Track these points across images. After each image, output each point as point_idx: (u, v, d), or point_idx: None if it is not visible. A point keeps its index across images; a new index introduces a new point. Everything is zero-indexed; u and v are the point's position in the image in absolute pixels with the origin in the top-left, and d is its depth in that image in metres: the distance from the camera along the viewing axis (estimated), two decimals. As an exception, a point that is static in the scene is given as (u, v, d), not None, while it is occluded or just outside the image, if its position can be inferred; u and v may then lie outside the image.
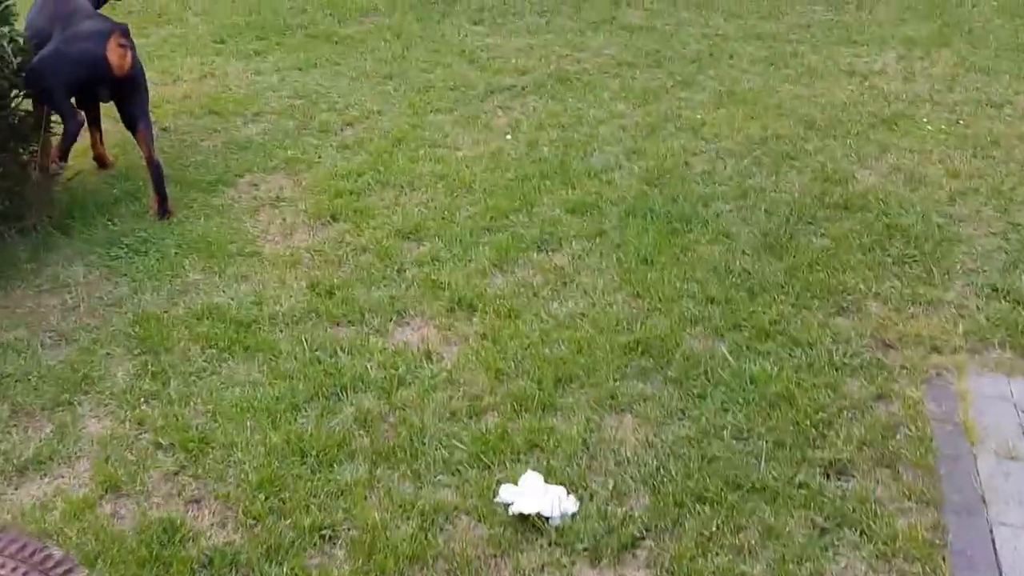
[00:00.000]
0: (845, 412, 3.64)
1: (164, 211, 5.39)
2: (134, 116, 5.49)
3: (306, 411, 3.75)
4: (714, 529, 3.15)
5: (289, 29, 8.64)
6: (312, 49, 8.11)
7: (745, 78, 6.87)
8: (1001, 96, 6.45)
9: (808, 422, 3.57)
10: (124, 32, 5.28)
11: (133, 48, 5.35)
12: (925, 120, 6.11)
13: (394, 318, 4.38)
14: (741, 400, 3.71)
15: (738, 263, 4.65)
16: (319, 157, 6.05)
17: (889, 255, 4.69)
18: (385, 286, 4.63)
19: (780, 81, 6.77)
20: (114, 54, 5.20)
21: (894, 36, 7.63)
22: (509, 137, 6.19)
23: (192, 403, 3.82)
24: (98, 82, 5.32)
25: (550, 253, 4.84)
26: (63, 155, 5.51)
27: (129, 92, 5.44)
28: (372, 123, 6.58)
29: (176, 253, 4.97)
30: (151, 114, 5.71)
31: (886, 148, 5.77)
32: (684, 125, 6.13)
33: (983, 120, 6.10)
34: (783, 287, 4.43)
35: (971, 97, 6.46)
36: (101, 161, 6.02)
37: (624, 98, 6.63)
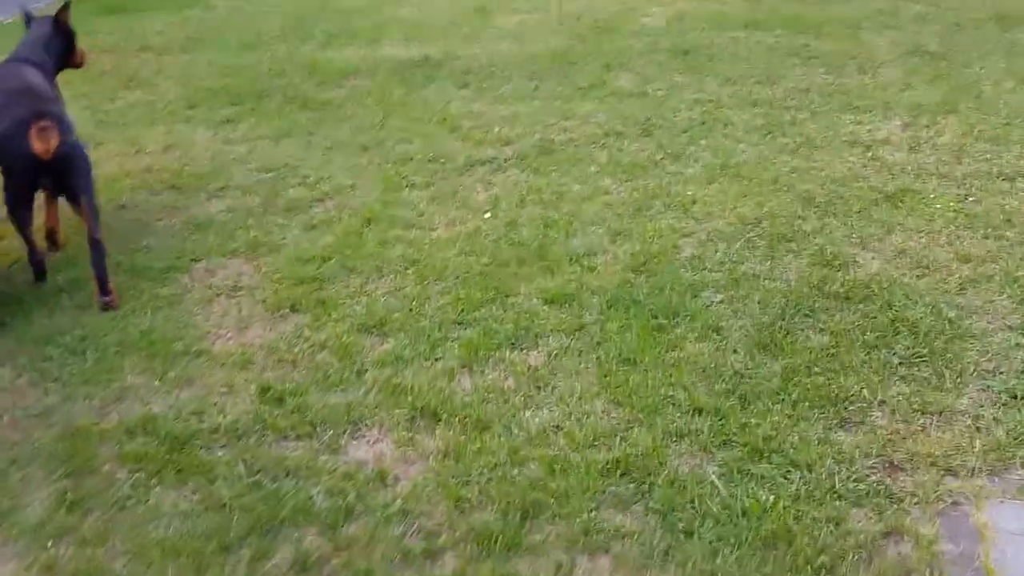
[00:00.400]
0: (850, 554, 3.19)
1: (106, 300, 4.99)
2: (75, 193, 5.18)
3: (239, 552, 3.30)
4: None
5: (266, 94, 8.28)
6: (287, 116, 7.72)
7: (739, 149, 6.45)
8: (1013, 168, 6.04)
9: (809, 567, 3.11)
10: (42, 115, 4.92)
11: (61, 126, 4.99)
12: (932, 196, 5.71)
13: (348, 430, 3.97)
14: (733, 539, 3.27)
15: (729, 364, 4.22)
16: (283, 239, 5.65)
17: (895, 354, 4.25)
18: (342, 390, 4.22)
19: (776, 152, 6.34)
20: (36, 141, 4.81)
21: (898, 102, 7.21)
22: (488, 216, 5.78)
23: (111, 542, 3.38)
24: (31, 171, 5.01)
25: (525, 351, 4.42)
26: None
27: (64, 172, 5.10)
28: (343, 199, 6.20)
29: (116, 352, 4.56)
30: (97, 193, 5.43)
31: (890, 228, 5.35)
32: (673, 202, 5.72)
33: (994, 195, 5.69)
34: (779, 394, 4.00)
35: (981, 169, 6.05)
36: (51, 236, 5.68)
37: (611, 172, 6.23)
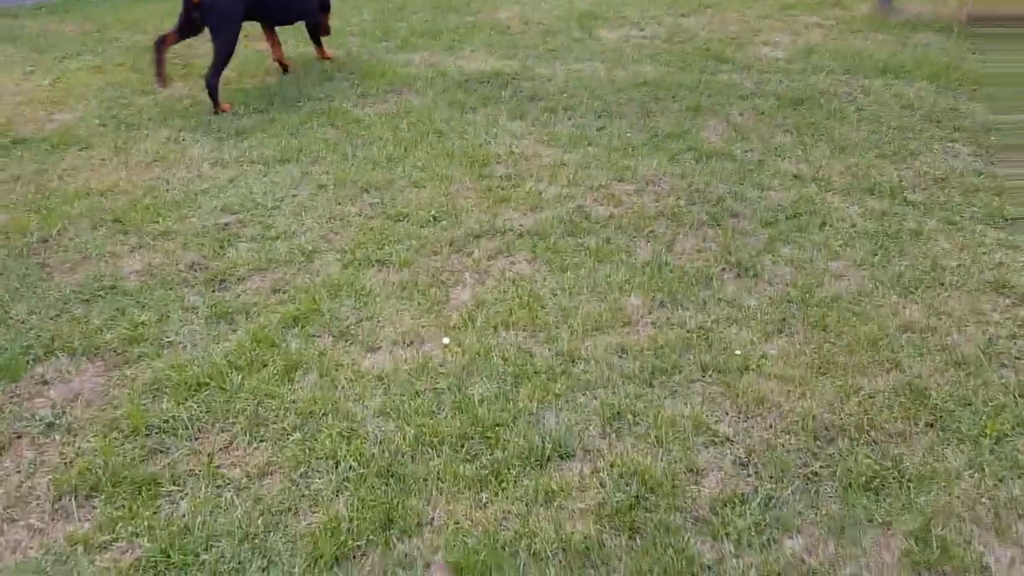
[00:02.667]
0: None
1: None
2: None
3: None
4: None
5: (298, 101, 5.97)
6: (304, 134, 5.55)
7: (833, 271, 3.85)
8: None
9: None
10: None
11: None
12: None
13: None
14: None
15: None
16: (177, 333, 3.65)
17: None
18: None
19: (886, 285, 3.79)
20: None
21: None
22: (447, 342, 3.37)
23: None
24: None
25: None
26: None
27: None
28: (288, 274, 4.12)
29: None
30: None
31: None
32: (712, 364, 3.34)
33: None
34: None
35: None
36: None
37: (644, 286, 3.85)
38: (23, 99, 6.37)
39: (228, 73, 6.46)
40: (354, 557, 2.52)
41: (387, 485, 2.75)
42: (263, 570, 2.48)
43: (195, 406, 3.17)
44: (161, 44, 6.10)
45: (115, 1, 9.09)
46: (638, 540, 2.56)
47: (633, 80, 6.44)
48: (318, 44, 6.96)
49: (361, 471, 2.82)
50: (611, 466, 2.82)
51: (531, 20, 8.14)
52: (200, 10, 5.87)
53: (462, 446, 2.92)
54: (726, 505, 2.65)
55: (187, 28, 6.01)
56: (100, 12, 8.67)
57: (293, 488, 2.77)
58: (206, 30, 6.02)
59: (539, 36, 7.64)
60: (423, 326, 3.63)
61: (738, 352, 3.35)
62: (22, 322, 3.70)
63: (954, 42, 7.26)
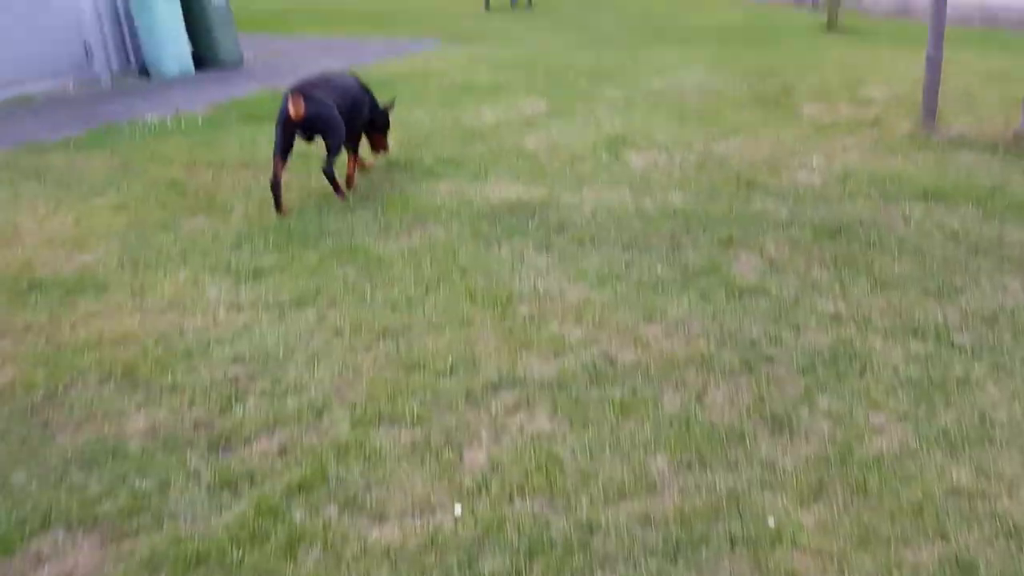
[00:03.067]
0: None
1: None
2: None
3: None
4: None
5: (318, 239, 5.97)
6: (321, 274, 5.48)
7: (873, 427, 3.67)
8: None
9: None
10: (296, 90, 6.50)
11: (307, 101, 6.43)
12: None
13: None
14: None
15: None
16: (176, 505, 3.53)
17: None
18: None
19: (933, 441, 3.59)
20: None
21: None
22: (459, 513, 3.24)
23: None
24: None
25: None
26: None
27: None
28: (296, 433, 4.00)
29: None
30: None
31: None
32: (746, 534, 3.16)
33: None
34: None
35: None
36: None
37: (671, 444, 3.67)
38: (44, 239, 6.40)
39: (251, 208, 6.48)
40: None
41: None
42: None
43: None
44: (277, 183, 6.66)
45: (144, 135, 9.24)
46: None
47: (663, 209, 6.36)
48: (375, 149, 7.60)
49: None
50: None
51: (558, 146, 8.15)
52: (304, 124, 6.52)
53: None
54: None
55: (288, 147, 6.65)
56: (128, 146, 8.81)
57: None
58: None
59: (566, 162, 7.62)
60: (435, 493, 3.48)
61: (771, 522, 3.14)
62: (20, 490, 3.58)
63: (1000, 163, 7.11)
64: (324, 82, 6.92)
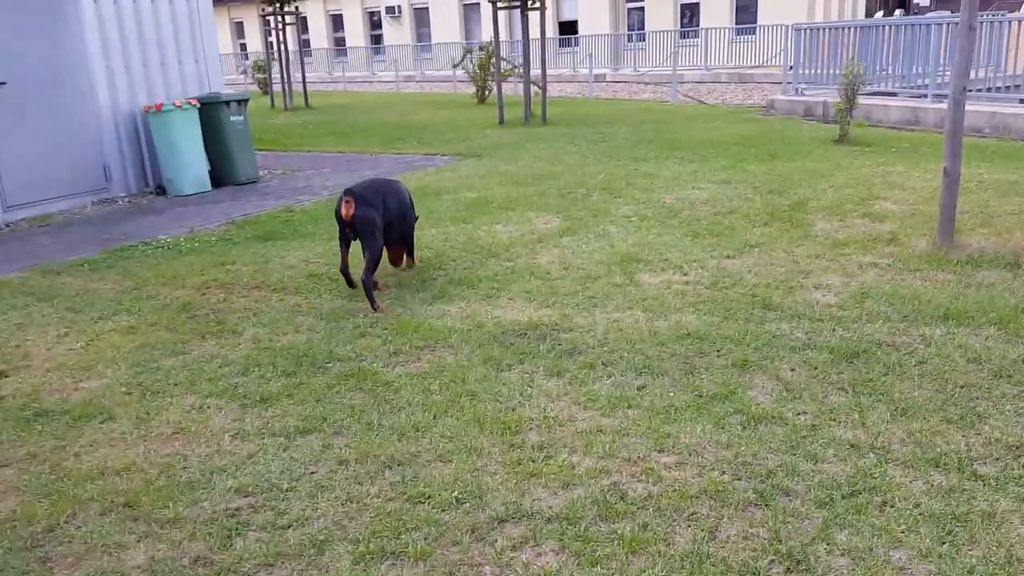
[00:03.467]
0: None
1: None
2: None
3: None
4: None
5: (328, 362, 5.93)
6: (328, 401, 5.46)
7: (896, 561, 3.61)
8: None
9: None
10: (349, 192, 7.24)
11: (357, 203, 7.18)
12: None
13: None
14: None
15: None
16: None
17: None
18: None
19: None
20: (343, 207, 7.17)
21: None
22: None
23: None
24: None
25: None
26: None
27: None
28: (296, 571, 3.93)
29: None
30: None
31: None
32: None
33: None
34: None
35: None
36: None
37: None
38: (52, 365, 6.41)
39: (260, 331, 6.48)
40: None
41: None
42: None
43: None
44: (344, 269, 7.50)
45: (157, 256, 9.32)
46: None
47: (676, 331, 6.32)
48: (410, 256, 8.26)
49: None
50: None
51: (571, 265, 8.16)
52: (352, 225, 7.19)
53: None
54: None
55: (348, 239, 7.38)
56: (140, 267, 8.89)
57: None
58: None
59: (579, 282, 7.62)
60: (438, 635, 3.37)
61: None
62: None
63: (1022, 280, 7.05)
64: (377, 186, 7.59)
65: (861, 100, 15.74)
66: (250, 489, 4.60)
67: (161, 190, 13.69)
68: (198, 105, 13.60)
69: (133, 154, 13.63)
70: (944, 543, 3.77)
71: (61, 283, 8.63)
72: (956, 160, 8.17)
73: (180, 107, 13.32)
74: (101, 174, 13.26)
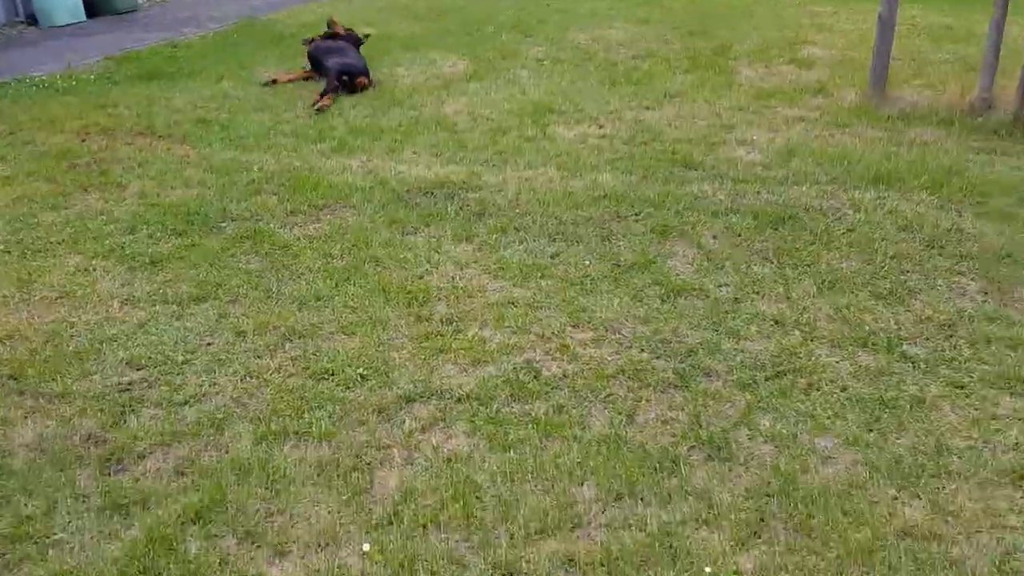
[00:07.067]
0: None
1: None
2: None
3: None
4: None
5: (222, 221, 5.80)
6: (223, 264, 5.44)
7: (822, 449, 3.68)
8: None
9: None
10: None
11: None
12: None
13: None
14: None
15: None
16: (63, 531, 3.49)
17: None
18: None
19: (885, 472, 3.65)
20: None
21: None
22: (367, 549, 3.34)
23: None
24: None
25: None
26: None
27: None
28: (195, 450, 3.93)
29: None
30: None
31: None
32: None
33: None
34: None
35: None
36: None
37: (599, 470, 3.76)
38: (-83, 221, 6.14)
39: (147, 184, 6.30)
40: None
41: None
42: None
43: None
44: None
45: (32, 95, 8.91)
46: None
47: (591, 192, 6.30)
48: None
49: None
50: None
51: (480, 115, 8.03)
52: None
53: None
54: None
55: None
56: (14, 109, 8.49)
57: None
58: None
59: (488, 135, 7.51)
60: (341, 523, 3.42)
61: (708, 570, 3.12)
62: None
63: (956, 140, 7.14)
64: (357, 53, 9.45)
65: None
66: (143, 362, 4.52)
67: (32, 20, 13.03)
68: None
69: (1, -22, 12.89)
70: (871, 430, 3.90)
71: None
72: (893, 5, 8.13)
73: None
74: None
